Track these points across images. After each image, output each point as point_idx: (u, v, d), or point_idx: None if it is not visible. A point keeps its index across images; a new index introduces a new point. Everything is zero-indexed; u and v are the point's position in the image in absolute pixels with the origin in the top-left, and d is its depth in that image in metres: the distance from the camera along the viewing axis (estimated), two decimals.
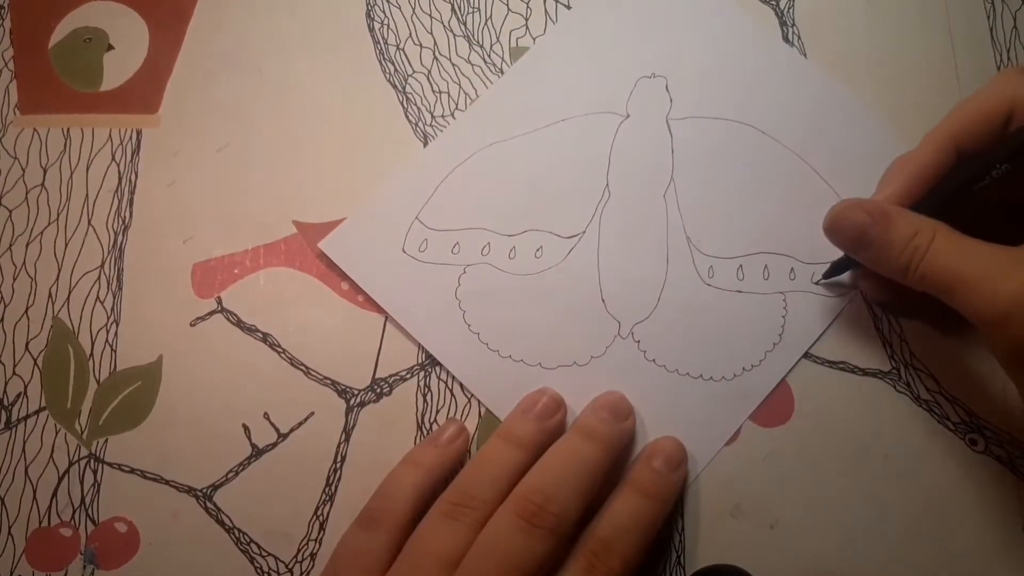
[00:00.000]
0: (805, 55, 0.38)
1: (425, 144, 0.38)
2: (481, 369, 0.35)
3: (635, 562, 0.30)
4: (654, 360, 0.35)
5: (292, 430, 0.35)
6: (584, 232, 0.36)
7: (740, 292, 0.35)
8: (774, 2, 0.39)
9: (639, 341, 0.35)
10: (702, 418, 0.34)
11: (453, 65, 0.40)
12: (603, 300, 0.36)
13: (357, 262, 0.37)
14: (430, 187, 0.37)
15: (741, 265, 0.36)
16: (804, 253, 0.36)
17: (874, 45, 0.38)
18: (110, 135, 0.39)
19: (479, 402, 0.35)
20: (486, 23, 0.40)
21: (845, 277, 0.35)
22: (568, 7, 0.40)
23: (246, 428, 0.35)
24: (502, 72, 0.39)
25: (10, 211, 0.38)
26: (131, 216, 0.38)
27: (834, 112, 0.37)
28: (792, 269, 0.36)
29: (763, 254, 0.36)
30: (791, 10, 0.39)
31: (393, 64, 0.40)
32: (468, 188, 0.37)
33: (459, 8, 0.40)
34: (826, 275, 0.35)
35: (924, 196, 0.32)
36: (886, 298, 0.34)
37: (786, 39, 0.39)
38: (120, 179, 0.39)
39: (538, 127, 0.38)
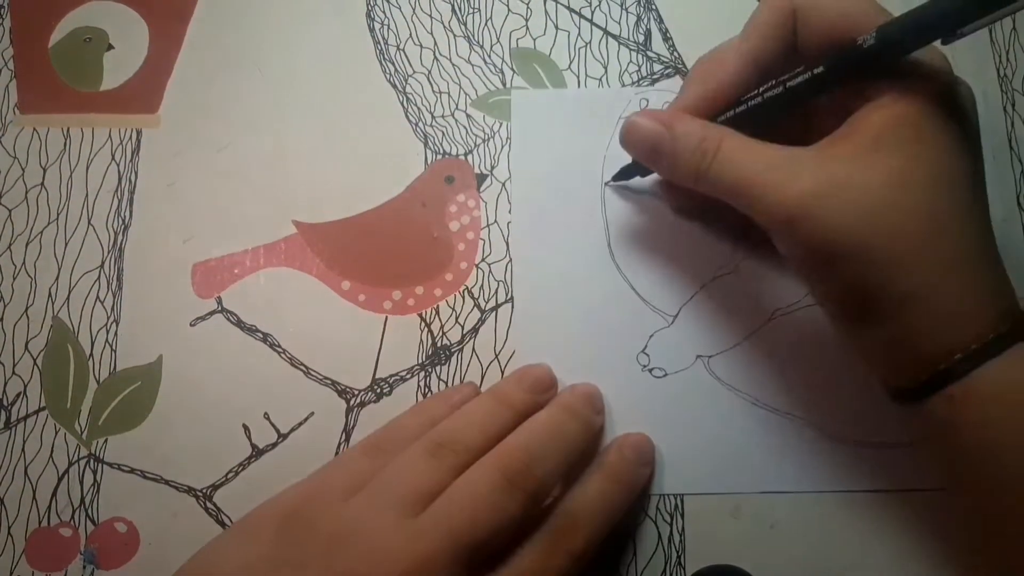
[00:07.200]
0: None
1: (425, 145, 0.38)
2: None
3: (595, 546, 0.30)
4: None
5: (292, 430, 0.35)
6: None
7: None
8: None
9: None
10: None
11: (453, 65, 0.40)
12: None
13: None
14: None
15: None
16: None
17: None
18: (110, 135, 0.39)
19: None
20: (486, 24, 0.40)
21: (634, 182, 0.36)
22: (567, 8, 0.40)
23: (246, 428, 0.35)
24: (502, 73, 0.39)
25: (10, 211, 0.38)
26: (131, 216, 0.38)
27: None
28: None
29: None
30: None
31: (393, 64, 0.40)
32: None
33: (459, 9, 0.40)
34: (615, 178, 0.36)
35: (723, 105, 0.31)
36: (683, 203, 0.35)
37: None
38: (120, 179, 0.39)
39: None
